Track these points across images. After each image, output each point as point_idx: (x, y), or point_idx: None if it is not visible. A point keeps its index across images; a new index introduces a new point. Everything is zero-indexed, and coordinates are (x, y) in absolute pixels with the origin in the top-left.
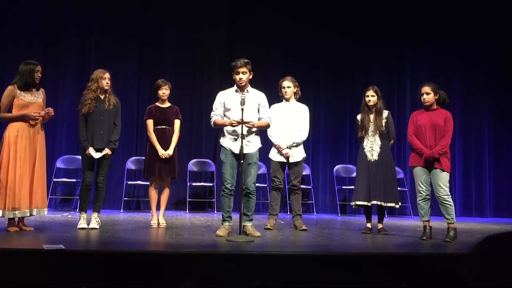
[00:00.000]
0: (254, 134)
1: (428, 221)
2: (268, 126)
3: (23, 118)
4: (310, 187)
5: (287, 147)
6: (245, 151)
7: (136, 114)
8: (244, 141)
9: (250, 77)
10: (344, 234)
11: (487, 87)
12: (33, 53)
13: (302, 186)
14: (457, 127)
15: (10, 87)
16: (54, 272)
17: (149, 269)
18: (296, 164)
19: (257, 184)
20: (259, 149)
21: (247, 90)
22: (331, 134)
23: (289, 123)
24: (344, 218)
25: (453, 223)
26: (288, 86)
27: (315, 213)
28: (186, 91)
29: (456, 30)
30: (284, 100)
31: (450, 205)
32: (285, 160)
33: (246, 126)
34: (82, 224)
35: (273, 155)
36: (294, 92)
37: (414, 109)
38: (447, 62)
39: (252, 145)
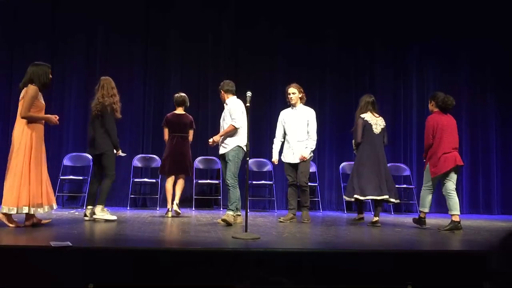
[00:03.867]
0: (228, 137)
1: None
2: (233, 129)
3: (45, 120)
4: (316, 184)
5: (303, 157)
6: (221, 152)
7: (142, 114)
8: (222, 144)
9: (225, 95)
10: (350, 231)
11: (495, 84)
12: (39, 54)
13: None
14: (464, 124)
15: (35, 87)
16: (61, 269)
17: (155, 266)
18: (302, 163)
19: (262, 182)
20: (237, 146)
21: (225, 103)
22: (337, 132)
23: (297, 127)
24: (350, 215)
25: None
26: (293, 92)
27: (321, 210)
28: (192, 92)
29: (462, 27)
30: (291, 106)
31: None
32: (292, 161)
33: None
34: (112, 216)
35: (283, 156)
36: (300, 98)
37: (420, 108)
38: (453, 60)
39: (228, 146)
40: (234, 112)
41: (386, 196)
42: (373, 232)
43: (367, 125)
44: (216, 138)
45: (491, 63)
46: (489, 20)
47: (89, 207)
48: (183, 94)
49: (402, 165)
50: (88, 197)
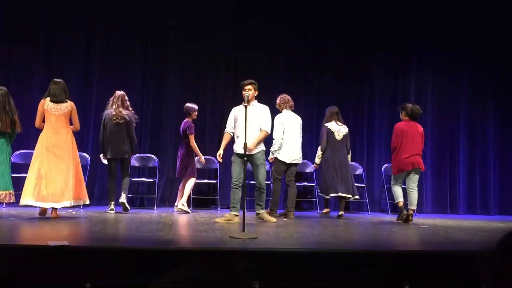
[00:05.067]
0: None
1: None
2: (266, 135)
3: None
4: (313, 184)
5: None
6: (248, 153)
7: (140, 113)
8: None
9: (256, 93)
10: (347, 231)
11: (494, 84)
12: (38, 54)
13: (305, 183)
14: (462, 123)
15: None
16: (58, 268)
17: (153, 266)
18: None
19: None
20: (262, 150)
21: (252, 104)
22: None
23: None
24: (347, 216)
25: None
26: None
27: (318, 210)
28: (191, 92)
29: (462, 28)
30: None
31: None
32: None
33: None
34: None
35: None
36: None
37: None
38: (452, 61)
39: (255, 149)
40: (269, 119)
41: (349, 195)
42: (371, 232)
43: (330, 133)
44: (252, 146)
45: (490, 64)
46: (489, 21)
47: (113, 202)
48: (186, 105)
49: None
50: (110, 194)
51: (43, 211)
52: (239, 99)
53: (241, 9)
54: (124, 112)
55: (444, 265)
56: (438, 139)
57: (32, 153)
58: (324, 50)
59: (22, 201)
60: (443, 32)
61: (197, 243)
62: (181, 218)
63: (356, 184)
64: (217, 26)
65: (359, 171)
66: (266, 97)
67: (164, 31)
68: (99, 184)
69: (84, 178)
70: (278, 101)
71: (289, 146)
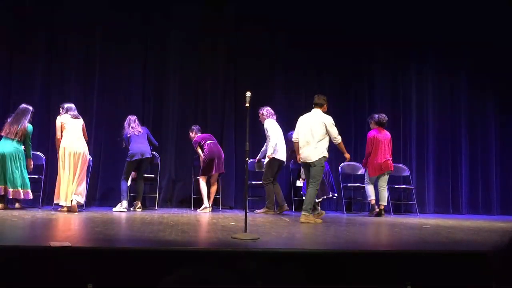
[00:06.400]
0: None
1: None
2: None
3: None
4: None
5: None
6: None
7: (140, 114)
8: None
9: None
10: (349, 231)
11: (494, 82)
12: (38, 54)
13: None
14: (464, 126)
15: None
16: (60, 269)
17: (155, 267)
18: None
19: (260, 182)
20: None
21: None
22: None
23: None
24: (350, 216)
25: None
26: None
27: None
28: (191, 92)
29: (462, 29)
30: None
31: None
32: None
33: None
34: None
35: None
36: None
37: (419, 109)
38: (453, 61)
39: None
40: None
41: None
42: (372, 232)
43: None
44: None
45: (490, 64)
46: (488, 23)
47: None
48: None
49: (402, 166)
50: (125, 194)
51: (72, 207)
52: (239, 99)
53: (241, 9)
54: (140, 127)
55: (446, 265)
56: (439, 139)
57: (35, 154)
58: (324, 50)
59: (56, 201)
60: (444, 32)
61: (199, 243)
62: (183, 218)
63: (358, 185)
64: (217, 26)
65: (361, 171)
66: (266, 98)
67: (164, 31)
68: (101, 185)
69: (86, 179)
70: (265, 112)
71: (282, 148)
